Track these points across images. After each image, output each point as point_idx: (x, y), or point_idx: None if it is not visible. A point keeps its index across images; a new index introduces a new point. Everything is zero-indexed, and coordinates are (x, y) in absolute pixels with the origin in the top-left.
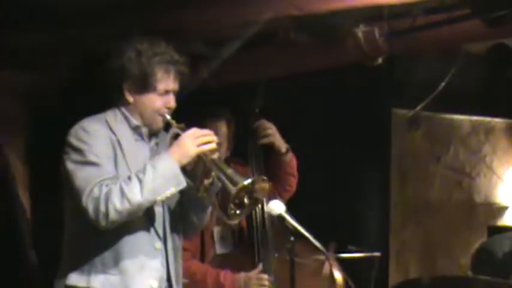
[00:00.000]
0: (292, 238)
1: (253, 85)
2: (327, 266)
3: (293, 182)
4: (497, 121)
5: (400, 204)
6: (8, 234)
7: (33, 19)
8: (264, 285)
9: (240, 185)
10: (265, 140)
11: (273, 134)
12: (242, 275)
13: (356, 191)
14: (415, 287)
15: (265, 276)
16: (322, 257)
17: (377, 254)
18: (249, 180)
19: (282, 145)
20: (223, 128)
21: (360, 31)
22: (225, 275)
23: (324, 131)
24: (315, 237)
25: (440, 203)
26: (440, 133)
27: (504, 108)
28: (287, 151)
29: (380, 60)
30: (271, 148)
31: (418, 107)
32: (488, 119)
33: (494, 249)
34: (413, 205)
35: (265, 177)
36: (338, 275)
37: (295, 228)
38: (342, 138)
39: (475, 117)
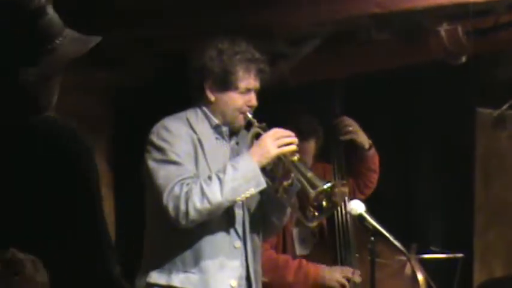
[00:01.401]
0: (372, 238)
1: (333, 84)
2: (408, 266)
3: (374, 178)
4: None
5: (485, 205)
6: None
7: (118, 19)
8: (348, 278)
9: (319, 189)
10: (347, 136)
11: (354, 131)
12: (325, 266)
13: (439, 191)
14: (501, 286)
15: (350, 269)
16: (404, 258)
17: (460, 255)
18: (329, 184)
19: (365, 141)
20: (311, 147)
21: (443, 29)
22: (308, 263)
23: (408, 131)
24: (396, 238)
25: None
26: None
27: None
28: (370, 147)
29: (464, 59)
30: (353, 144)
31: (504, 107)
32: None
33: None
34: (498, 206)
35: (344, 181)
36: (420, 276)
37: (376, 228)
38: (425, 138)
39: None
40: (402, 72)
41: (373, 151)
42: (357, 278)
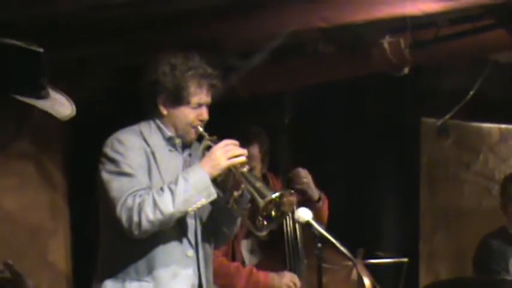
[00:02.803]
0: (319, 244)
1: (282, 96)
2: (355, 271)
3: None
4: None
5: (430, 211)
6: None
7: (70, 35)
8: (295, 283)
9: (268, 198)
10: (299, 187)
11: (307, 183)
12: (275, 273)
13: (386, 198)
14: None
15: (296, 277)
16: (351, 263)
17: (405, 259)
18: (277, 194)
19: (314, 193)
20: (255, 151)
21: (386, 42)
22: (258, 270)
23: (354, 140)
24: (343, 243)
25: (469, 210)
26: (469, 141)
27: None
28: (319, 199)
29: (406, 70)
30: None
31: (448, 116)
32: None
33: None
34: (443, 212)
35: (292, 191)
36: (366, 281)
37: (323, 235)
38: (372, 147)
39: (504, 125)
40: (349, 83)
41: (321, 204)
42: None
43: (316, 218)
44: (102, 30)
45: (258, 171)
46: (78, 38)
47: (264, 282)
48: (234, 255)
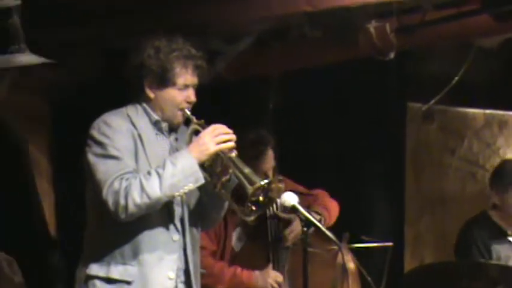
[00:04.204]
0: (305, 229)
1: (268, 80)
2: (340, 256)
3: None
4: (511, 114)
5: (415, 196)
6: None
7: (58, 16)
8: (278, 282)
9: (257, 185)
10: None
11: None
12: (258, 272)
13: (371, 183)
14: (429, 272)
15: (280, 276)
16: (336, 247)
17: (389, 244)
18: (266, 181)
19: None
20: (271, 155)
21: (372, 27)
22: (242, 270)
23: (339, 125)
24: (328, 227)
25: (454, 194)
26: (454, 126)
27: None
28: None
29: (392, 55)
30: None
31: (433, 101)
32: (501, 112)
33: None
34: (428, 197)
35: (281, 178)
36: (351, 265)
37: (308, 219)
38: (357, 132)
39: (488, 111)
40: (335, 67)
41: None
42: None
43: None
44: (90, 13)
45: (271, 173)
46: (65, 20)
47: (248, 283)
48: (223, 252)
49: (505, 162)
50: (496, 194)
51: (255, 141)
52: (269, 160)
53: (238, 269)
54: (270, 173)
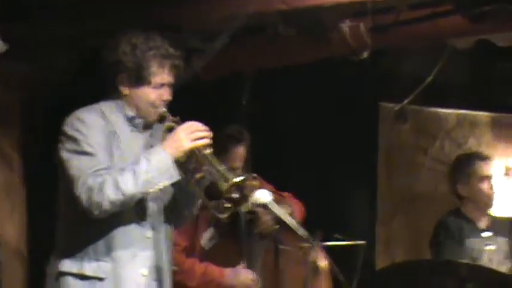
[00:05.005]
0: (277, 226)
1: (241, 78)
2: (312, 253)
3: None
4: (482, 115)
5: (387, 195)
6: None
7: (33, 13)
8: (251, 280)
9: (231, 182)
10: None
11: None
12: (229, 269)
13: (344, 182)
14: (400, 270)
15: (252, 273)
16: (308, 245)
17: (362, 242)
18: (241, 178)
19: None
20: (243, 152)
21: (346, 26)
22: (213, 268)
23: (312, 124)
24: (301, 226)
25: (426, 194)
26: (426, 126)
27: (488, 102)
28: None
29: (366, 55)
30: None
31: (406, 101)
32: (473, 112)
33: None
34: (400, 196)
35: (255, 175)
36: (323, 263)
37: (281, 217)
38: (330, 131)
39: (460, 111)
40: (308, 66)
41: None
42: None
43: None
44: (62, 10)
45: (240, 170)
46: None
47: (219, 280)
48: (194, 245)
49: (458, 157)
50: (462, 185)
51: (228, 136)
52: (238, 157)
53: (210, 266)
54: (239, 171)
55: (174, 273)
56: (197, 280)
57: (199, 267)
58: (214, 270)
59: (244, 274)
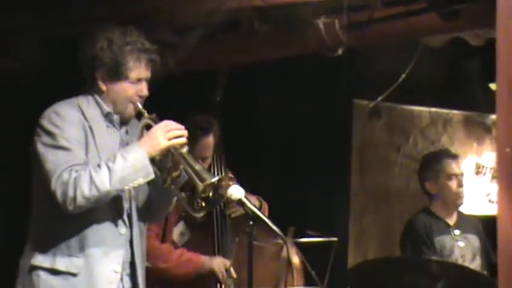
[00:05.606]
0: (251, 222)
1: (215, 74)
2: (285, 249)
3: None
4: (455, 113)
5: (360, 192)
6: None
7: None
8: (226, 267)
9: (207, 182)
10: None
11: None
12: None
13: (317, 178)
14: (372, 267)
15: (227, 261)
16: (281, 241)
17: (334, 239)
18: (216, 178)
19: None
20: (212, 142)
21: (321, 23)
22: (189, 252)
23: (284, 120)
24: (275, 222)
25: (398, 191)
26: (400, 124)
27: (461, 101)
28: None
29: (340, 52)
30: None
31: (379, 98)
32: (446, 110)
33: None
34: (372, 193)
35: (231, 175)
36: (296, 259)
37: (254, 213)
38: (303, 128)
39: (433, 109)
40: (282, 62)
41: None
42: (233, 273)
43: None
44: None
45: (210, 159)
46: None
47: (196, 261)
48: (164, 237)
49: (426, 155)
50: (431, 183)
51: (197, 126)
52: (208, 146)
53: (186, 250)
54: (208, 160)
55: (152, 259)
56: (174, 262)
57: (176, 251)
58: (190, 253)
59: (220, 259)
